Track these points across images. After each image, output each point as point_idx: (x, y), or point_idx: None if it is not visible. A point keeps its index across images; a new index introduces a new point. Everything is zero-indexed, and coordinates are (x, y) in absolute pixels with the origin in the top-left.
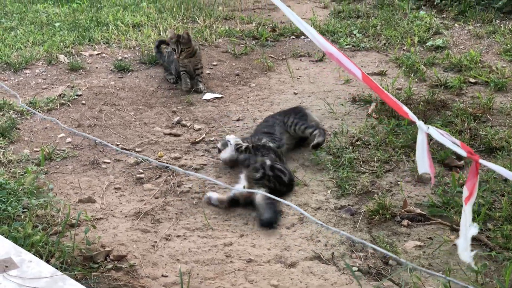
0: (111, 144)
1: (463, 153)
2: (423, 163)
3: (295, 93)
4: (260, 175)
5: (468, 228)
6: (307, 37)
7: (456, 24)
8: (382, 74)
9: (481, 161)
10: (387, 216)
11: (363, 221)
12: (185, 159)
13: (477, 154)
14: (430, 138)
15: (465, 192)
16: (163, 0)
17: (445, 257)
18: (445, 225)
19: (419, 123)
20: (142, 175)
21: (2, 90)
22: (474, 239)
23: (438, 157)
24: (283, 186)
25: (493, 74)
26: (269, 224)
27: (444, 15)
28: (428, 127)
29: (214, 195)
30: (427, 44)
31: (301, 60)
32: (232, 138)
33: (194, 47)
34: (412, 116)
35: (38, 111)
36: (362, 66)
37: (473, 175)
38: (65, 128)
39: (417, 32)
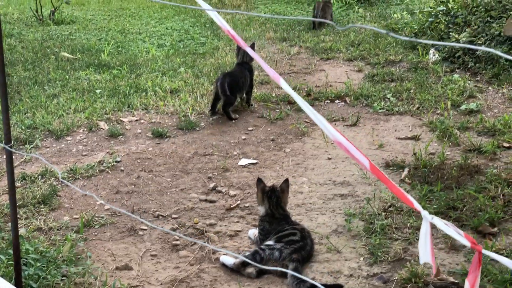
0: (147, 212)
1: (466, 243)
2: (426, 253)
3: (329, 158)
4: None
5: None
6: (342, 102)
7: (490, 87)
8: (415, 138)
9: (484, 251)
10: (420, 285)
11: None
12: (220, 226)
13: (479, 245)
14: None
15: (467, 286)
16: (200, 66)
17: None
18: None
19: (424, 213)
20: (178, 242)
21: (44, 156)
22: None
23: (472, 224)
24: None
25: None
26: None
27: (478, 78)
28: (432, 217)
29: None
30: (460, 107)
31: (335, 124)
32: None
33: None
34: (417, 206)
35: (78, 178)
36: (395, 131)
37: (475, 267)
38: (102, 202)
39: (450, 96)
